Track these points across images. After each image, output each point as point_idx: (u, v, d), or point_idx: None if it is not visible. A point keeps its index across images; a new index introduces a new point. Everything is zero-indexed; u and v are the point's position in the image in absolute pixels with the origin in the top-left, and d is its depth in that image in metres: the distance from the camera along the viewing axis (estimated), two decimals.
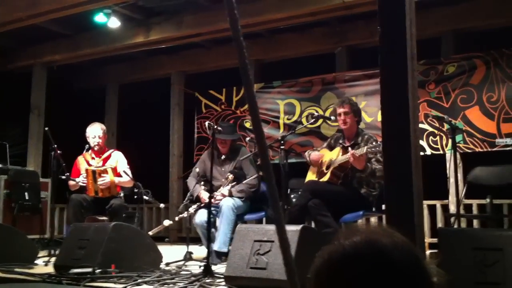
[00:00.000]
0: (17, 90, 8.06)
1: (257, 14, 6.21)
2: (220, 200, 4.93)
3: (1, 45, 7.67)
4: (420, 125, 6.13)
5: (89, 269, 3.64)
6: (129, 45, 7.44)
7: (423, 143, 6.23)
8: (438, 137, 6.29)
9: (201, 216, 4.94)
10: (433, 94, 6.38)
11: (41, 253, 4.96)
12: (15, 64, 8.04)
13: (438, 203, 6.24)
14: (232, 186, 5.05)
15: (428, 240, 5.71)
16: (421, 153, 5.84)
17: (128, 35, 7.28)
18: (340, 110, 4.53)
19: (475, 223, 5.93)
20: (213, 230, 4.80)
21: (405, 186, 3.01)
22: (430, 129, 6.33)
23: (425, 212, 6.09)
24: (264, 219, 5.16)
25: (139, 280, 3.49)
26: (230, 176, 5.05)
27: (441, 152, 6.27)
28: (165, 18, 7.02)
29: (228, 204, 4.88)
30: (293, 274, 1.16)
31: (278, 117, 7.41)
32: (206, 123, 4.56)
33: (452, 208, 5.83)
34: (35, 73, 7.99)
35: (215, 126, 4.41)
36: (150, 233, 5.03)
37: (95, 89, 9.19)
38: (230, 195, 5.01)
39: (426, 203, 6.08)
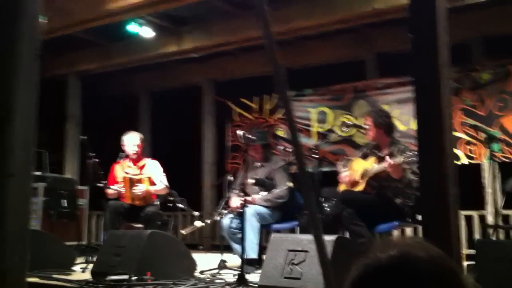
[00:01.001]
0: (53, 98, 8.25)
1: (286, 21, 6.22)
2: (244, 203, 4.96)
3: None
4: (456, 134, 6.05)
5: (126, 276, 3.70)
6: (162, 54, 7.55)
7: (459, 152, 6.13)
8: (474, 146, 6.19)
9: (227, 221, 5.01)
10: (468, 102, 6.28)
11: (78, 260, 5.04)
12: (50, 73, 8.23)
13: (475, 214, 6.13)
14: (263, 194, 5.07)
15: (465, 251, 5.61)
16: (458, 163, 5.80)
17: (160, 44, 7.40)
18: (365, 123, 4.56)
19: None
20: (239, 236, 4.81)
21: (441, 196, 2.98)
22: (467, 138, 6.23)
23: (462, 222, 6.00)
24: (297, 228, 5.15)
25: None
26: (249, 181, 5.04)
27: (478, 161, 6.17)
28: (196, 27, 7.10)
29: (249, 211, 4.88)
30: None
31: (310, 126, 7.40)
32: (241, 133, 4.58)
33: (490, 219, 5.73)
34: (70, 82, 8.18)
35: (249, 136, 4.43)
36: (183, 232, 5.07)
37: (128, 97, 9.34)
38: (254, 203, 5.04)
39: (463, 213, 5.98)
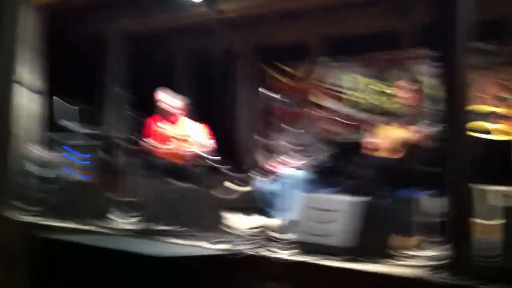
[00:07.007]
0: (94, 53, 8.36)
1: None
2: (283, 166, 5.15)
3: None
4: (489, 108, 6.10)
5: (167, 227, 3.98)
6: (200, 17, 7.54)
7: (491, 126, 6.19)
8: (508, 121, 6.20)
9: (268, 185, 5.18)
10: (503, 77, 6.28)
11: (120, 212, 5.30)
12: (91, 28, 8.15)
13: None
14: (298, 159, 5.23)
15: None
16: (488, 137, 5.81)
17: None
18: (406, 88, 4.57)
19: None
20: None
21: (462, 169, 3.11)
22: (500, 111, 6.22)
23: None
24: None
25: (213, 240, 3.78)
26: (291, 146, 5.23)
27: (510, 137, 6.14)
28: None
29: (292, 174, 5.06)
30: None
31: (341, 92, 7.49)
32: (272, 96, 4.71)
33: None
34: (111, 38, 8.37)
35: (281, 99, 4.55)
36: (218, 195, 5.31)
37: (166, 57, 9.45)
38: (294, 166, 5.22)
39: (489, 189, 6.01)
